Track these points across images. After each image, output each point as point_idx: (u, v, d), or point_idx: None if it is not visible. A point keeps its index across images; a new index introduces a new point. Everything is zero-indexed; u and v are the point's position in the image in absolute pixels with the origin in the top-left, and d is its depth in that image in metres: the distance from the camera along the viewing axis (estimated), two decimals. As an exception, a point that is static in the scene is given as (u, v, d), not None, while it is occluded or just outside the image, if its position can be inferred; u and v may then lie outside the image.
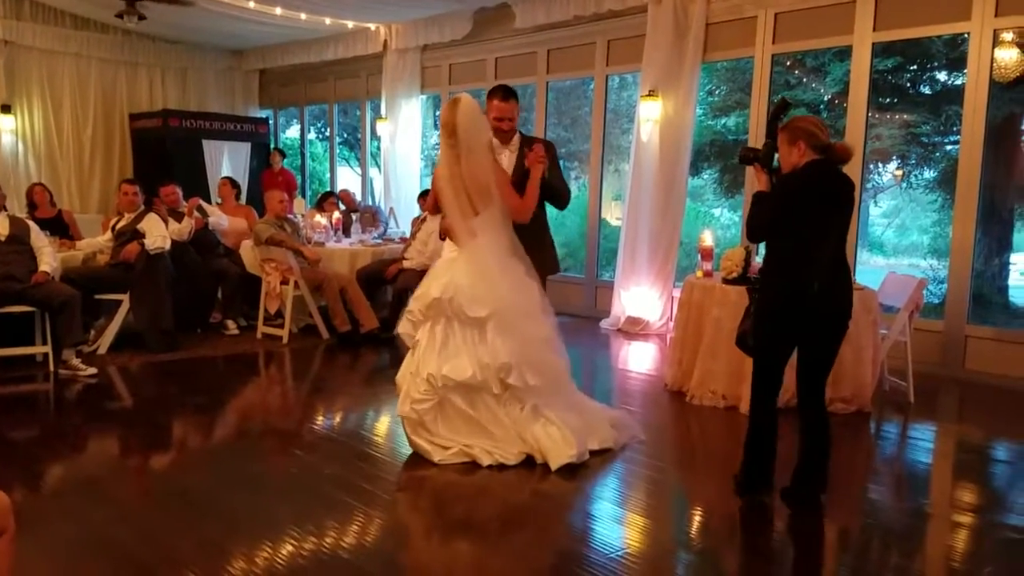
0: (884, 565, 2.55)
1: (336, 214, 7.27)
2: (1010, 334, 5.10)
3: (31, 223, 5.15)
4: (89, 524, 2.72)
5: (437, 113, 10.52)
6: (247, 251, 6.23)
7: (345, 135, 12.23)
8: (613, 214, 9.22)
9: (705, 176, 9.51)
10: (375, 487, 3.12)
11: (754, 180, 3.01)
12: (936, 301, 6.46)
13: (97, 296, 5.38)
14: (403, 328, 3.50)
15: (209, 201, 7.66)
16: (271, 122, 10.59)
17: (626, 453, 3.54)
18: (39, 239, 5.05)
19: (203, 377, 4.94)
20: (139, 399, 4.51)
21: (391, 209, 8.45)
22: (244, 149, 9.65)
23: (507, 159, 3.64)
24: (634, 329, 6.54)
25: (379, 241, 6.95)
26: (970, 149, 5.11)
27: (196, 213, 6.11)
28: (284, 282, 5.91)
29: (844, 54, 6.46)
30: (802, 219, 2.73)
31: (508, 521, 2.87)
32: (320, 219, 6.90)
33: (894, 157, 9.02)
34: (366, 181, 10.02)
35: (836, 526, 2.86)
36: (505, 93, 3.57)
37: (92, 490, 3.05)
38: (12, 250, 4.90)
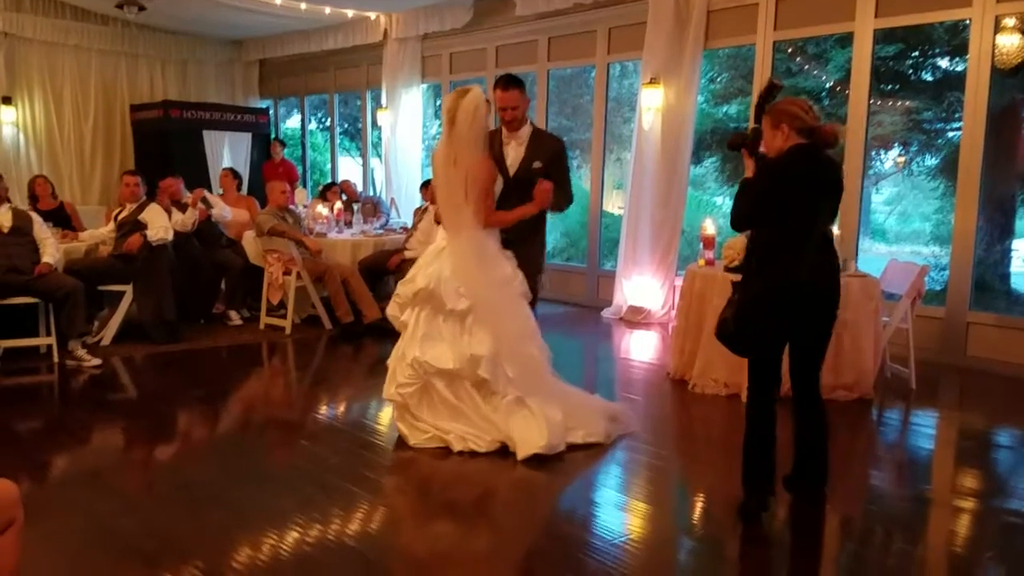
0: (886, 551, 2.56)
1: (338, 205, 7.26)
2: (1012, 320, 5.09)
3: (34, 215, 5.15)
4: (94, 515, 2.73)
5: (438, 103, 10.49)
6: (249, 242, 6.23)
7: (346, 125, 12.19)
8: (615, 203, 9.19)
9: (707, 164, 9.48)
10: (379, 476, 3.13)
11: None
12: (938, 288, 6.44)
13: (100, 287, 5.38)
14: (391, 310, 3.57)
15: (212, 192, 7.66)
16: (271, 112, 10.56)
17: (628, 441, 3.54)
18: (42, 231, 5.04)
19: (206, 368, 4.95)
20: (143, 390, 4.52)
21: (392, 199, 8.44)
22: (245, 140, 9.63)
23: (513, 151, 3.61)
24: (636, 318, 6.53)
25: (381, 232, 6.95)
26: (972, 136, 5.08)
27: (200, 204, 6.11)
28: (287, 273, 5.91)
29: (846, 41, 6.41)
30: (785, 206, 2.62)
31: (511, 508, 2.89)
32: (322, 210, 6.89)
33: (896, 144, 8.98)
34: (367, 171, 10.01)
35: (838, 512, 2.87)
36: (506, 82, 3.55)
37: (97, 481, 3.06)
38: (15, 242, 4.90)
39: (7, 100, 9.09)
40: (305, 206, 7.17)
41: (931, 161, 8.89)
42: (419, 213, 6.58)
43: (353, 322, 5.83)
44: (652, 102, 6.36)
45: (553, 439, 3.28)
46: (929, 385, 4.61)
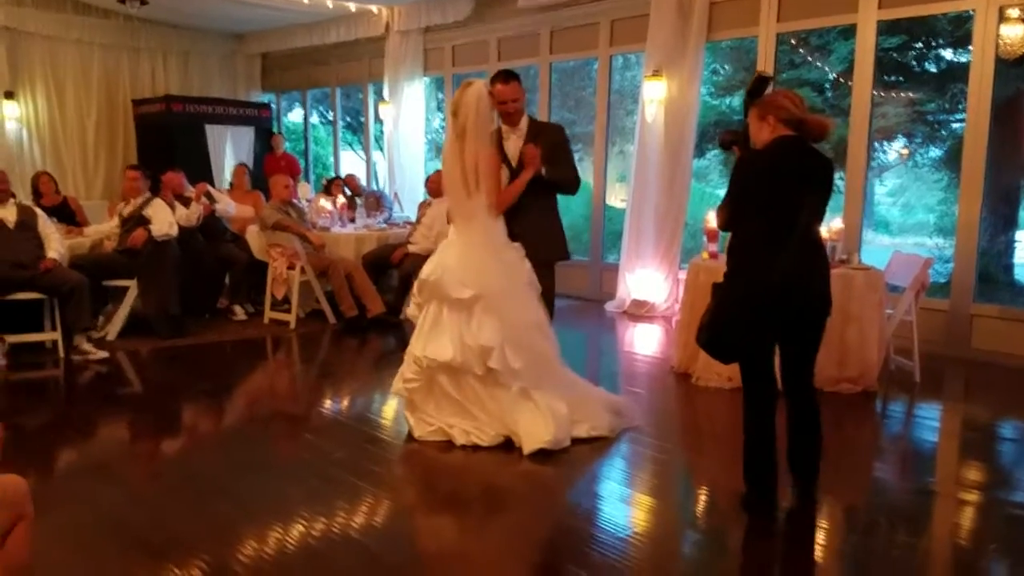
0: (890, 543, 2.56)
1: (341, 199, 7.26)
2: (1016, 312, 5.08)
3: (38, 210, 5.15)
4: (101, 507, 2.74)
5: (441, 96, 10.47)
6: (254, 236, 6.23)
7: (348, 119, 12.17)
8: (618, 196, 9.17)
9: (710, 156, 9.46)
10: (384, 469, 3.14)
11: None
12: (942, 280, 6.43)
13: (105, 283, 5.39)
14: (411, 311, 3.59)
15: (215, 186, 7.67)
16: (273, 106, 10.53)
17: (632, 435, 3.54)
18: (47, 226, 5.05)
19: (211, 362, 4.96)
20: (148, 385, 4.53)
21: (395, 193, 8.43)
22: (247, 134, 9.62)
23: (514, 144, 3.62)
24: (640, 312, 6.53)
25: (384, 226, 6.95)
26: (976, 127, 5.05)
27: (204, 199, 6.11)
28: (291, 267, 5.92)
29: (849, 32, 6.38)
30: (765, 200, 2.52)
31: (515, 501, 2.89)
32: (325, 204, 6.89)
33: (899, 135, 8.94)
34: (370, 165, 10.00)
35: (842, 505, 2.87)
36: (505, 76, 3.55)
37: (103, 474, 3.07)
38: (21, 237, 4.91)
39: (9, 95, 9.08)
40: (308, 200, 7.17)
41: (935, 152, 8.85)
42: (423, 207, 6.57)
43: (357, 316, 5.84)
44: (655, 94, 6.34)
45: (559, 433, 3.28)
46: (933, 378, 4.60)
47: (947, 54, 8.01)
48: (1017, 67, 5.30)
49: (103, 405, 4.05)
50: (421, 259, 6.12)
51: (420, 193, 8.00)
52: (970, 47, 5.15)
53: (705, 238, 4.78)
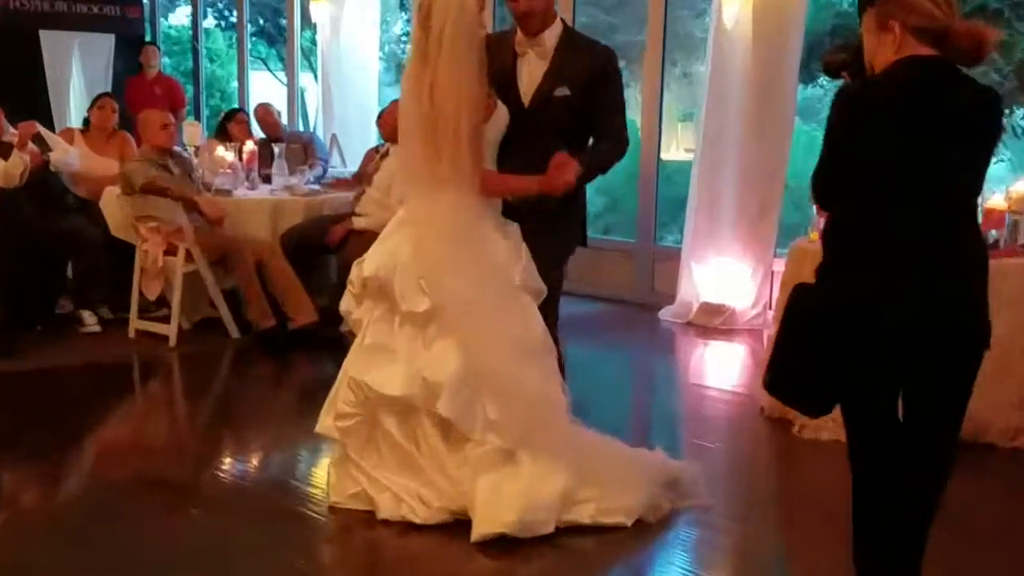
0: None
1: (250, 145, 7.27)
2: None
3: None
4: None
5: (406, -14, 10.49)
6: (112, 204, 6.25)
7: (262, 22, 12.26)
8: (680, 144, 9.18)
9: (824, 83, 9.46)
10: (313, 566, 3.15)
11: None
12: None
13: None
14: (344, 304, 3.68)
15: (52, 127, 7.65)
16: (146, 3, 10.58)
17: (697, 516, 3.56)
18: None
19: (47, 399, 4.97)
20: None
21: (333, 137, 8.46)
22: (104, 44, 9.64)
23: (531, 67, 3.62)
24: (713, 322, 6.57)
25: (316, 187, 6.98)
26: None
27: (32, 146, 6.13)
28: (170, 252, 5.94)
29: None
30: (873, 163, 2.51)
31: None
32: (224, 154, 6.92)
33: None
34: (295, 94, 10.07)
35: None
36: None
37: None
38: None
39: None
40: (198, 147, 7.20)
41: None
42: (374, 157, 6.57)
43: (274, 327, 5.88)
44: (738, -13, 6.37)
45: (529, 514, 3.28)
46: None
47: None
48: None
49: None
50: (372, 240, 6.10)
51: (372, 136, 8.03)
52: None
53: (814, 209, 4.80)
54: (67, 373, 5.41)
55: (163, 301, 6.06)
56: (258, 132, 7.91)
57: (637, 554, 3.31)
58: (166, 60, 9.49)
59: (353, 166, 7.77)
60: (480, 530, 3.26)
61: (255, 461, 4.23)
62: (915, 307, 2.50)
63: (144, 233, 6.03)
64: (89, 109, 7.24)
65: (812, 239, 4.69)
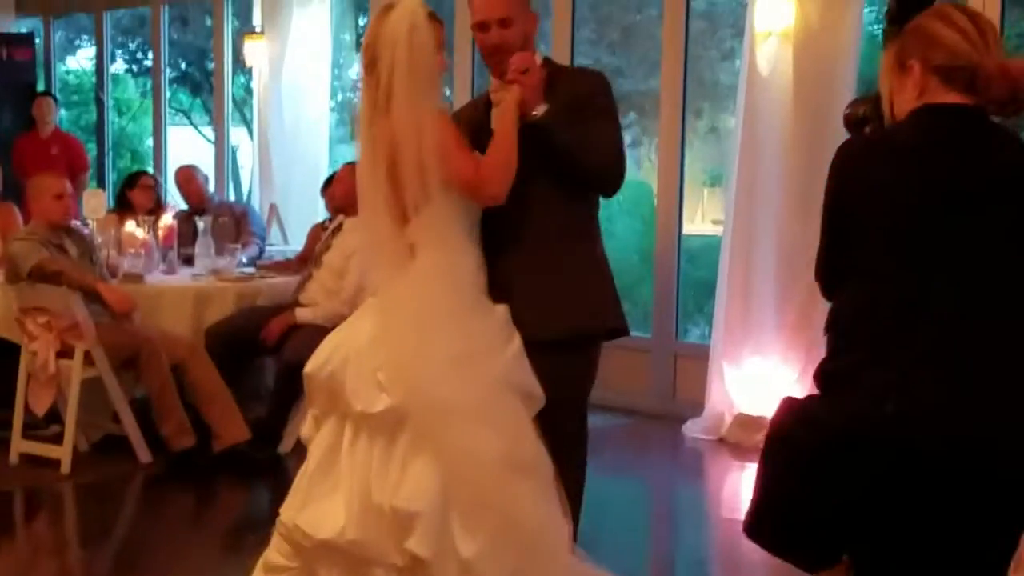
0: None
1: (167, 218, 7.35)
2: None
3: None
4: None
5: (363, 20, 10.67)
6: (-9, 294, 6.28)
7: (183, 66, 12.38)
8: (706, 214, 9.26)
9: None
10: None
11: None
12: None
13: None
14: (305, 432, 3.62)
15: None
16: (38, 41, 10.73)
17: None
18: None
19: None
20: None
21: (272, 208, 8.54)
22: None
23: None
24: (751, 439, 6.49)
25: (251, 271, 7.03)
26: None
27: None
28: (65, 354, 5.96)
29: None
30: (877, 238, 2.50)
31: None
32: (135, 229, 7.00)
33: None
34: (225, 154, 10.09)
35: None
36: None
37: None
38: None
39: None
40: (96, 221, 7.19)
41: None
42: (321, 235, 6.68)
43: (194, 447, 5.89)
44: (773, 21, 6.46)
45: None
46: None
47: None
48: None
49: None
50: (320, 336, 6.11)
51: (320, 207, 8.07)
52: None
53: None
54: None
55: (55, 416, 6.05)
56: (179, 202, 7.97)
57: None
58: (63, 113, 9.55)
59: (296, 244, 7.83)
60: None
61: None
62: (952, 430, 2.37)
63: (32, 330, 6.01)
64: None
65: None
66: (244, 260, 7.20)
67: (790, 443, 2.57)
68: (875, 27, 8.70)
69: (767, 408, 6.56)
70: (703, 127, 8.69)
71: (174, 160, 10.03)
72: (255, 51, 8.98)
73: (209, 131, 11.34)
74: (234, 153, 10.33)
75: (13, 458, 6.04)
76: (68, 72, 11.97)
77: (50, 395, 6.00)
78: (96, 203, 7.49)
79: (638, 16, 9.60)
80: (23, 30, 10.77)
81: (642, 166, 8.69)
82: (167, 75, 10.75)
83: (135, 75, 13.03)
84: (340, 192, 6.36)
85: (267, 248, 7.75)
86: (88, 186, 8.91)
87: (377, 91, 3.39)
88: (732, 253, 6.76)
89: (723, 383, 6.75)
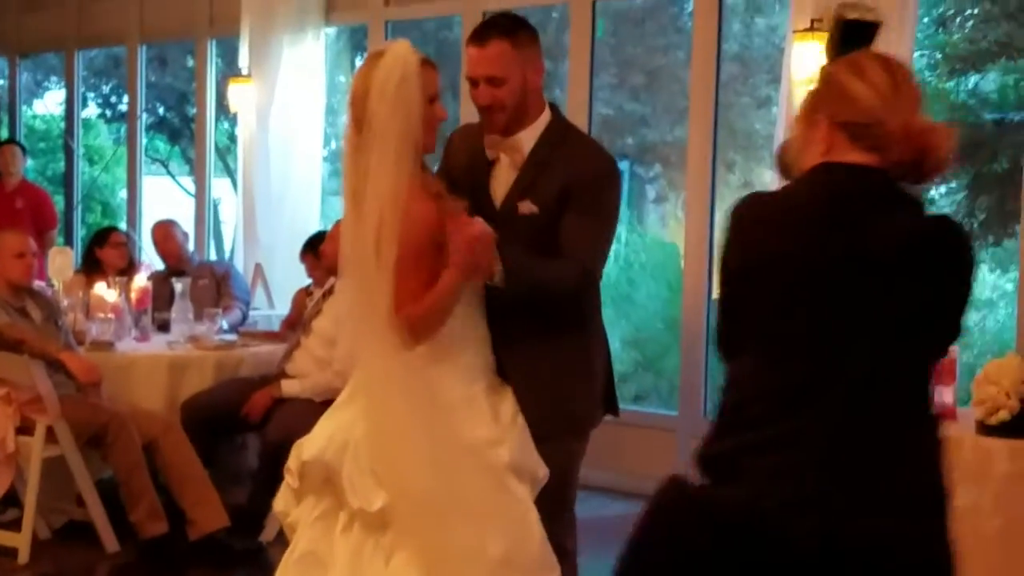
0: None
1: (141, 279, 7.32)
2: None
3: None
4: None
5: (360, 60, 10.65)
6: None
7: (162, 111, 12.44)
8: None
9: (939, 196, 9.60)
10: None
11: None
12: None
13: None
14: (279, 501, 3.70)
15: None
16: (2, 83, 10.80)
17: None
18: None
19: None
20: None
21: (257, 268, 8.55)
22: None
23: (499, 177, 3.70)
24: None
25: (232, 338, 7.04)
26: None
27: None
28: (25, 430, 5.93)
29: None
30: (762, 314, 2.57)
31: None
32: (105, 292, 6.96)
33: None
34: (206, 206, 10.13)
35: None
36: (483, 32, 3.62)
37: None
38: None
39: None
40: (60, 283, 7.22)
41: None
42: (305, 300, 6.67)
43: (167, 534, 5.83)
44: (813, 66, 6.47)
45: None
46: None
47: None
48: None
49: None
50: (307, 410, 6.05)
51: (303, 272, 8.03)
52: None
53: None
54: None
55: (12, 499, 6.01)
56: (155, 261, 7.97)
57: None
58: (32, 164, 9.56)
59: (283, 308, 7.81)
60: None
61: None
62: (829, 523, 2.40)
63: (-11, 403, 6.04)
64: None
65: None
66: (225, 326, 7.19)
67: (668, 527, 2.58)
68: (927, 75, 8.75)
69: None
70: (736, 181, 8.69)
71: (150, 214, 10.11)
72: (241, 95, 9.00)
73: (189, 182, 11.43)
74: (216, 207, 10.36)
75: (-36, 546, 6.02)
76: (35, 117, 12.05)
77: (8, 475, 5.96)
78: (62, 262, 7.59)
79: (664, 59, 9.63)
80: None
81: (668, 225, 8.67)
82: (144, 121, 10.79)
83: (108, 120, 13.13)
84: (333, 251, 6.29)
85: (251, 313, 7.74)
86: (55, 243, 8.88)
87: (364, 147, 3.42)
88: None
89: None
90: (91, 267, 7.58)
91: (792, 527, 2.40)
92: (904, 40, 6.36)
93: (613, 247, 3.94)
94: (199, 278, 7.58)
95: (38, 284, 6.63)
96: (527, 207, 3.59)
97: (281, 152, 8.95)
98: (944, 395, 4.74)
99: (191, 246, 8.38)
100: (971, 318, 9.41)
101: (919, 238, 2.47)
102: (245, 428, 6.31)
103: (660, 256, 8.50)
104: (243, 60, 9.03)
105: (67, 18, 10.60)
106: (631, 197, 9.27)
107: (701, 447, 2.60)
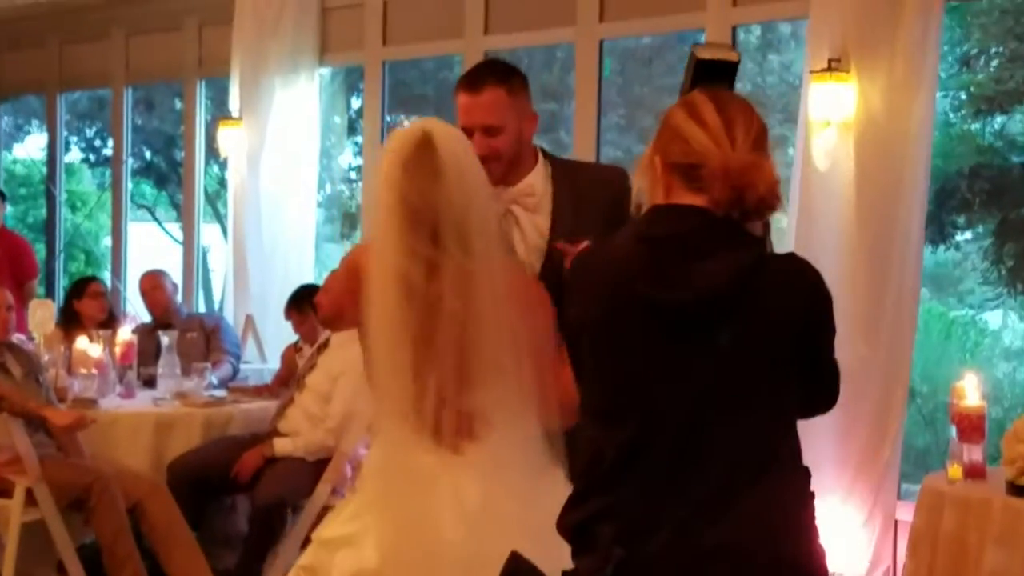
0: None
1: (125, 332, 7.32)
2: None
3: None
4: None
5: (355, 101, 10.71)
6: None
7: (148, 155, 12.45)
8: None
9: (965, 242, 9.61)
10: None
11: None
12: None
13: None
14: None
15: None
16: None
17: None
18: None
19: None
20: None
21: (248, 320, 8.54)
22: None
23: (526, 220, 3.68)
24: (809, 595, 6.47)
25: (222, 394, 7.03)
26: None
27: None
28: (1, 492, 5.92)
29: None
30: (593, 372, 2.63)
31: None
32: (88, 346, 6.96)
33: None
34: (194, 254, 10.12)
35: None
36: (476, 79, 3.63)
37: None
38: None
39: None
40: (41, 336, 7.23)
41: None
42: (295, 356, 6.73)
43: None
44: (832, 108, 6.53)
45: None
46: None
47: None
48: None
49: None
50: (301, 471, 6.05)
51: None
52: None
53: (954, 431, 4.82)
54: None
55: (-10, 564, 6.00)
56: (140, 312, 7.96)
57: None
58: (11, 210, 9.56)
59: (275, 362, 7.82)
60: None
61: None
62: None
63: (-34, 464, 6.02)
64: None
65: (953, 476, 4.71)
66: (214, 381, 7.19)
67: None
68: (951, 116, 8.76)
69: (828, 556, 6.49)
70: (750, 225, 8.67)
71: (135, 262, 10.13)
72: (231, 138, 9.04)
73: (176, 229, 11.42)
74: (205, 255, 10.37)
75: (-61, 614, 5.99)
76: (15, 162, 12.06)
77: (-14, 539, 5.97)
78: (43, 315, 7.56)
79: (673, 99, 9.55)
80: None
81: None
82: (129, 165, 10.80)
83: (92, 165, 13.14)
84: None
85: (242, 367, 7.74)
86: (36, 294, 8.88)
87: (436, 251, 3.24)
88: (785, 377, 6.68)
89: (777, 530, 6.64)
90: (69, 320, 7.57)
91: None
92: (926, 79, 6.40)
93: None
94: (187, 331, 7.58)
95: (18, 337, 6.62)
96: (580, 243, 3.47)
97: (273, 198, 8.96)
98: (972, 453, 4.73)
99: (179, 297, 8.38)
100: (999, 369, 9.40)
101: (736, 281, 2.47)
102: (235, 489, 6.31)
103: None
104: (233, 102, 9.08)
105: (48, 59, 10.66)
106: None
107: (560, 516, 2.64)
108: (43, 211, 11.27)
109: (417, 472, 3.29)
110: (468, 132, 3.57)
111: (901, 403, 6.50)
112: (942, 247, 9.33)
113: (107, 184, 11.64)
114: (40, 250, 10.41)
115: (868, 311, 6.48)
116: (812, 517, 2.66)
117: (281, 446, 6.16)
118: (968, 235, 9.55)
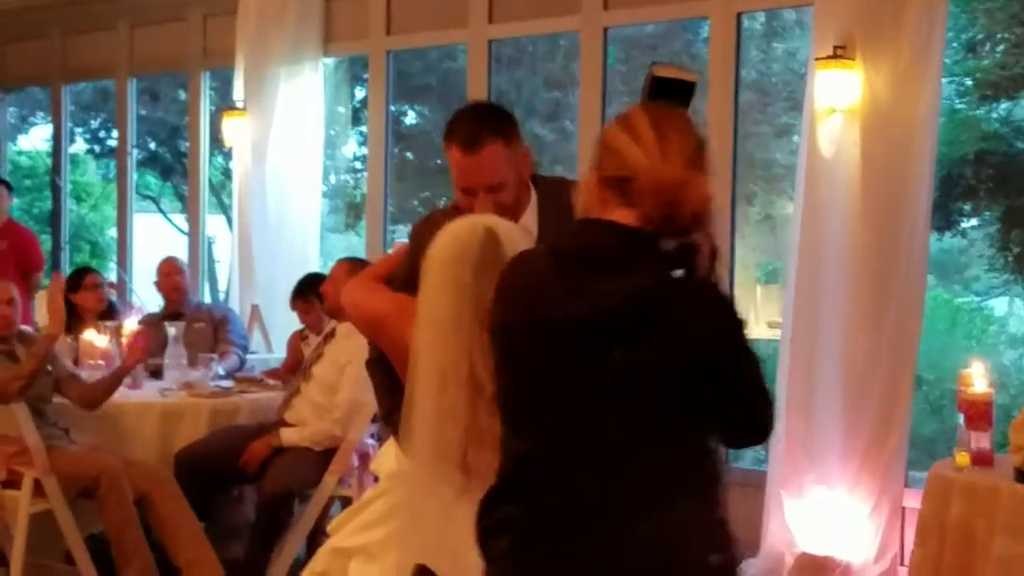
0: None
1: (131, 321, 7.30)
2: None
3: None
4: None
5: (357, 93, 10.72)
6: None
7: (153, 146, 12.44)
8: (760, 315, 9.21)
9: (971, 229, 9.59)
10: None
11: None
12: None
13: None
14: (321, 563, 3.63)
15: None
16: (-12, 119, 10.84)
17: None
18: None
19: None
20: None
21: (254, 310, 8.55)
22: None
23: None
24: (816, 583, 6.47)
25: (229, 384, 7.02)
26: None
27: None
28: (11, 483, 5.93)
29: None
30: (500, 383, 2.67)
31: None
32: (95, 337, 6.96)
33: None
34: (200, 245, 10.09)
35: None
36: (472, 136, 3.50)
37: None
38: None
39: None
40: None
41: None
42: (300, 344, 6.72)
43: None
44: (837, 95, 6.51)
45: None
46: None
47: None
48: None
49: None
50: (307, 460, 6.06)
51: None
52: None
53: (962, 418, 4.83)
54: None
55: (-3, 556, 6.02)
56: (144, 303, 7.94)
57: None
58: (17, 202, 9.53)
59: (282, 352, 7.81)
60: None
61: None
62: None
63: (-27, 455, 6.03)
64: None
65: (960, 463, 4.72)
66: (221, 372, 7.16)
67: None
68: (956, 102, 8.74)
69: (834, 546, 6.51)
70: (755, 214, 8.68)
71: (141, 253, 10.13)
72: (235, 129, 9.03)
73: (181, 220, 11.38)
74: (210, 245, 10.34)
75: (-54, 602, 6.00)
76: (20, 153, 12.05)
77: (-7, 530, 5.98)
78: (54, 309, 7.46)
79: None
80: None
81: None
82: (134, 156, 10.78)
83: (97, 156, 13.12)
84: (334, 292, 6.28)
85: (248, 358, 7.71)
86: (42, 286, 8.86)
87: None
88: (792, 362, 6.71)
89: (782, 517, 6.68)
90: (68, 314, 7.49)
91: None
92: (932, 65, 6.38)
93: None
94: (195, 321, 7.58)
95: (26, 328, 6.61)
96: None
97: (278, 188, 8.95)
98: (980, 440, 4.74)
99: (187, 283, 8.23)
100: (1006, 356, 9.39)
101: (632, 302, 2.47)
102: (242, 480, 6.30)
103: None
104: (238, 92, 9.07)
105: (53, 50, 10.64)
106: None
107: (476, 517, 2.64)
108: (48, 202, 11.24)
109: (441, 496, 3.21)
110: (471, 192, 3.53)
111: (907, 391, 6.46)
112: (948, 234, 9.33)
113: (112, 175, 11.61)
114: (46, 241, 10.39)
115: (874, 298, 6.46)
116: (715, 548, 2.59)
117: (288, 436, 6.14)
118: (974, 222, 9.53)
